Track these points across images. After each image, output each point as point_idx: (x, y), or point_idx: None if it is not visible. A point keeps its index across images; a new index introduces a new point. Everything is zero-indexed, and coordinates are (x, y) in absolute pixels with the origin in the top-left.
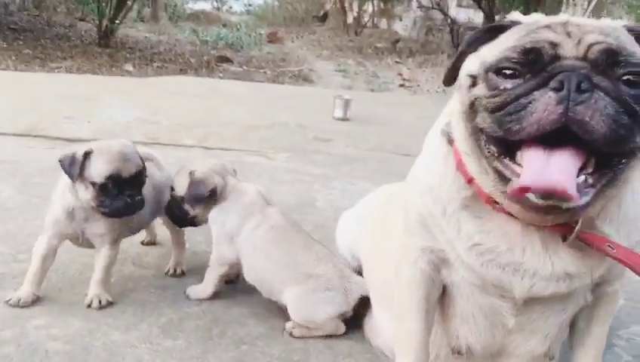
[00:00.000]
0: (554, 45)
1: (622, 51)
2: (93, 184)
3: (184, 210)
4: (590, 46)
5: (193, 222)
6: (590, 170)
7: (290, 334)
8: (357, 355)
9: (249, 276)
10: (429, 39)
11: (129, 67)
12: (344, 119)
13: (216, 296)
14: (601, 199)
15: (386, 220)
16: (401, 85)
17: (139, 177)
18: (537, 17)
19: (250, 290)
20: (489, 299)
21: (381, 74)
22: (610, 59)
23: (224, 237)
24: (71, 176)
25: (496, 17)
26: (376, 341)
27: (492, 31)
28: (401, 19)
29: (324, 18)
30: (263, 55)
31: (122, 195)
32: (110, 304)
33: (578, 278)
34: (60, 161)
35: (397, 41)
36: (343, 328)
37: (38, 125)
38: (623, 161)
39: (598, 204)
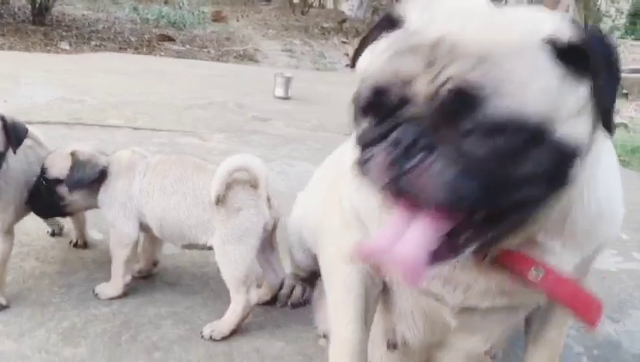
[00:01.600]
0: (406, 83)
1: (477, 94)
2: None
3: (57, 196)
4: (442, 85)
5: (64, 210)
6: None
7: (211, 338)
8: (287, 358)
9: (162, 230)
10: (375, 19)
11: (65, 46)
12: (285, 98)
13: (129, 294)
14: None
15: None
16: (348, 65)
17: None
18: (435, 12)
19: (169, 287)
20: (428, 300)
21: (327, 54)
22: (460, 105)
23: (118, 211)
24: None
25: None
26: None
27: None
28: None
29: None
30: (207, 34)
31: None
32: (4, 308)
33: (520, 294)
34: None
35: (343, 21)
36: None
37: None
38: (510, 217)
39: (540, 220)
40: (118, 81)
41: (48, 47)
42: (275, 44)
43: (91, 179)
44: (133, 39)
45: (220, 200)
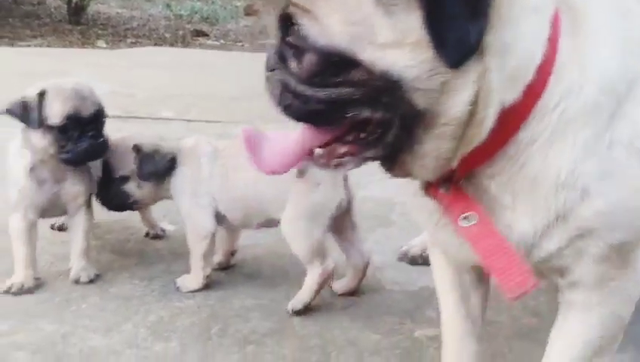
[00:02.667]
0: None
1: (293, 17)
2: (51, 128)
3: (125, 193)
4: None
5: (134, 205)
6: (349, 140)
7: (292, 310)
8: (384, 352)
9: (239, 211)
10: None
11: (102, 44)
12: None
13: (211, 286)
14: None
15: None
16: None
17: (99, 117)
18: None
19: (250, 279)
20: None
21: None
22: (284, 28)
23: (191, 202)
24: (31, 122)
25: None
26: None
27: None
28: None
29: None
30: (240, 28)
31: (84, 137)
32: (96, 277)
33: None
34: (8, 110)
35: None
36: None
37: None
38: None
39: (495, 165)
40: (163, 74)
41: (86, 46)
42: None
43: (164, 168)
44: (167, 35)
45: (302, 173)
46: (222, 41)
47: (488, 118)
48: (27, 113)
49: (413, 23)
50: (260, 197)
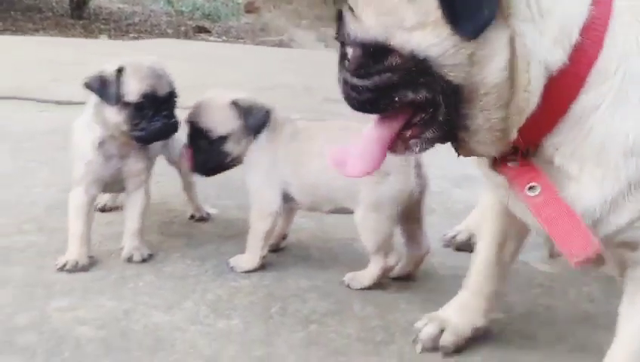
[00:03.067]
0: None
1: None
2: (127, 104)
3: (225, 153)
4: None
5: (230, 165)
6: (411, 123)
7: (348, 286)
8: None
9: (309, 196)
10: None
11: (104, 38)
12: None
13: (265, 267)
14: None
15: None
16: None
17: (173, 97)
18: None
19: (302, 260)
20: None
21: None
22: (341, 29)
23: (262, 179)
24: (108, 98)
25: None
26: None
27: None
28: None
29: None
30: (242, 25)
31: (158, 117)
32: (149, 257)
33: None
34: (86, 84)
35: None
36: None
37: (22, 88)
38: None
39: (559, 135)
40: (180, 65)
41: (88, 40)
42: (309, 34)
43: (265, 123)
44: (169, 31)
45: None
46: (223, 38)
47: (533, 83)
48: (105, 88)
49: (431, 3)
50: (330, 186)
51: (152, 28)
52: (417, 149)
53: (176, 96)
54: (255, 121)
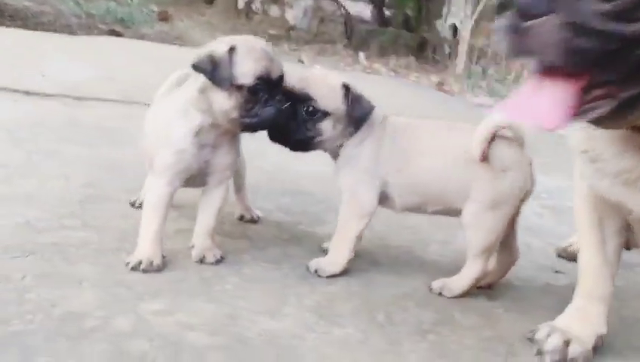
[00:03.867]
0: None
1: None
2: (240, 88)
3: (319, 130)
4: None
5: (317, 146)
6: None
7: (440, 294)
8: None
9: (412, 197)
10: (322, 29)
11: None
12: None
13: (347, 272)
14: None
15: None
16: None
17: (282, 81)
18: None
19: (374, 266)
20: None
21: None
22: None
23: (361, 176)
24: (221, 80)
25: (386, 13)
26: None
27: None
28: (292, 7)
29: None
30: (156, 33)
31: (272, 102)
32: (219, 261)
33: None
34: (195, 66)
35: (291, 28)
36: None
37: None
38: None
39: None
40: (132, 62)
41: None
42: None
43: (369, 115)
44: (80, 33)
45: (485, 157)
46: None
47: None
48: (216, 69)
49: None
50: (444, 186)
51: (63, 28)
52: (602, 111)
53: (284, 81)
54: (360, 111)
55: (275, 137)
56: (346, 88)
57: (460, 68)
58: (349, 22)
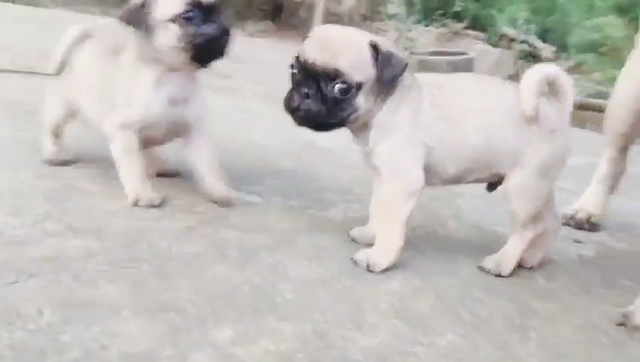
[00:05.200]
0: None
1: None
2: (174, 20)
3: (353, 106)
4: None
5: (352, 122)
6: None
7: (499, 275)
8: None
9: (455, 165)
10: None
11: None
12: None
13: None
14: None
15: None
16: None
17: (215, 7)
18: None
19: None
20: None
21: None
22: None
23: (403, 147)
24: (143, 25)
25: None
26: None
27: None
28: None
29: None
30: None
31: (210, 23)
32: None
33: None
34: (121, 17)
35: None
36: None
37: None
38: None
39: None
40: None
41: None
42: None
43: (401, 75)
44: None
45: (533, 119)
46: None
47: None
48: (136, 14)
49: None
50: (493, 149)
51: None
52: None
53: (220, 9)
54: (392, 73)
55: (302, 123)
56: (375, 48)
57: None
58: None
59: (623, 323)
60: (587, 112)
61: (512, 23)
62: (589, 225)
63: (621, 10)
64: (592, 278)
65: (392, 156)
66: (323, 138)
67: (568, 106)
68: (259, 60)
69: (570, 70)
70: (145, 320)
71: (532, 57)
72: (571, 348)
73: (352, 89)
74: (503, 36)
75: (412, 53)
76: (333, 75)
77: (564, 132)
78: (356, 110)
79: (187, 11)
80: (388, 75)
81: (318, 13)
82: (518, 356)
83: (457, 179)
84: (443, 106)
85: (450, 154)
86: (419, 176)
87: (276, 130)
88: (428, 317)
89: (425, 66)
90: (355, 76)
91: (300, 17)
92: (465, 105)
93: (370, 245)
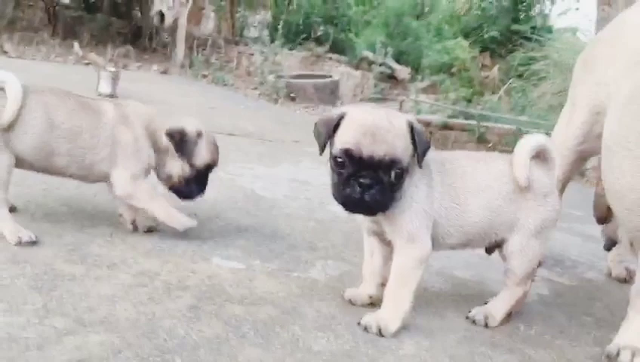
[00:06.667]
0: None
1: None
2: (192, 166)
3: (402, 185)
4: None
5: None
6: None
7: (486, 325)
8: None
9: (461, 237)
10: (18, 15)
11: None
12: (112, 95)
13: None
14: None
15: None
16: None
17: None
18: None
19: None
20: None
21: None
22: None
23: (422, 221)
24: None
25: None
26: None
27: None
28: None
29: None
30: None
31: (202, 185)
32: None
33: None
34: (169, 134)
35: None
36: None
37: None
38: None
39: None
40: None
41: None
42: None
43: (429, 150)
44: None
45: (527, 186)
46: None
47: None
48: (185, 144)
49: None
50: (494, 220)
51: None
52: None
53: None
54: (426, 147)
55: (367, 212)
56: (412, 127)
57: (180, 57)
58: (51, 7)
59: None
60: (451, 132)
61: (371, 46)
62: None
63: (466, 34)
64: (560, 319)
65: (409, 226)
66: (260, 186)
67: (555, 172)
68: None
69: (426, 90)
70: None
71: (390, 79)
72: None
73: (404, 173)
74: (363, 59)
75: (279, 76)
76: (391, 165)
77: (554, 195)
78: (403, 188)
79: (204, 169)
80: (423, 151)
81: (181, 36)
82: None
83: (459, 247)
84: (449, 185)
85: (454, 229)
86: (429, 245)
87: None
88: None
89: (292, 89)
90: (405, 159)
91: (161, 40)
92: (468, 185)
93: (366, 305)
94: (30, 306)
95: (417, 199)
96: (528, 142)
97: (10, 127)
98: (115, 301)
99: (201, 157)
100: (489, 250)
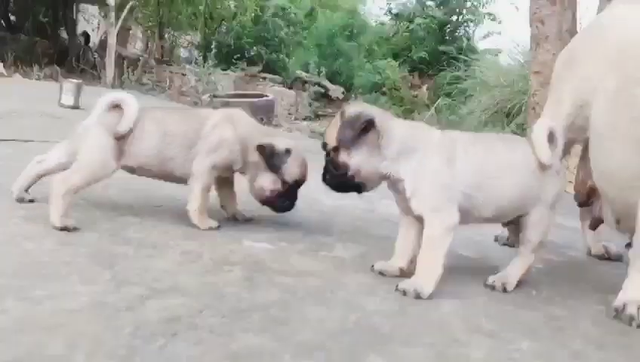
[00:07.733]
0: None
1: None
2: (284, 181)
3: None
4: None
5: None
6: None
7: (504, 289)
8: None
9: (495, 210)
10: None
11: None
12: (75, 107)
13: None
14: None
15: None
16: None
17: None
18: None
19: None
20: None
21: None
22: None
23: (441, 194)
24: (273, 168)
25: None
26: None
27: None
28: None
29: None
30: None
31: (292, 198)
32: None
33: None
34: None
35: None
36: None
37: None
38: None
39: None
40: None
41: None
42: None
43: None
44: None
45: (547, 165)
46: None
47: None
48: (274, 159)
49: None
50: (526, 194)
51: None
52: None
53: None
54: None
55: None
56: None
57: (109, 77)
58: None
59: (617, 316)
60: None
61: (304, 67)
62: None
63: (395, 55)
64: (562, 285)
65: (432, 199)
66: None
67: (560, 151)
68: None
69: None
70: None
71: (324, 98)
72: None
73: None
74: (297, 79)
75: (214, 96)
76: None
77: (562, 172)
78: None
79: (293, 184)
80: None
81: (110, 57)
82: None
83: (490, 221)
84: (476, 162)
85: (490, 203)
86: (455, 214)
87: None
88: (503, 329)
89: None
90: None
91: (89, 61)
92: (494, 165)
93: (396, 276)
94: (101, 278)
95: (434, 175)
96: (543, 125)
97: (126, 139)
98: (175, 273)
99: (290, 172)
100: (506, 223)
